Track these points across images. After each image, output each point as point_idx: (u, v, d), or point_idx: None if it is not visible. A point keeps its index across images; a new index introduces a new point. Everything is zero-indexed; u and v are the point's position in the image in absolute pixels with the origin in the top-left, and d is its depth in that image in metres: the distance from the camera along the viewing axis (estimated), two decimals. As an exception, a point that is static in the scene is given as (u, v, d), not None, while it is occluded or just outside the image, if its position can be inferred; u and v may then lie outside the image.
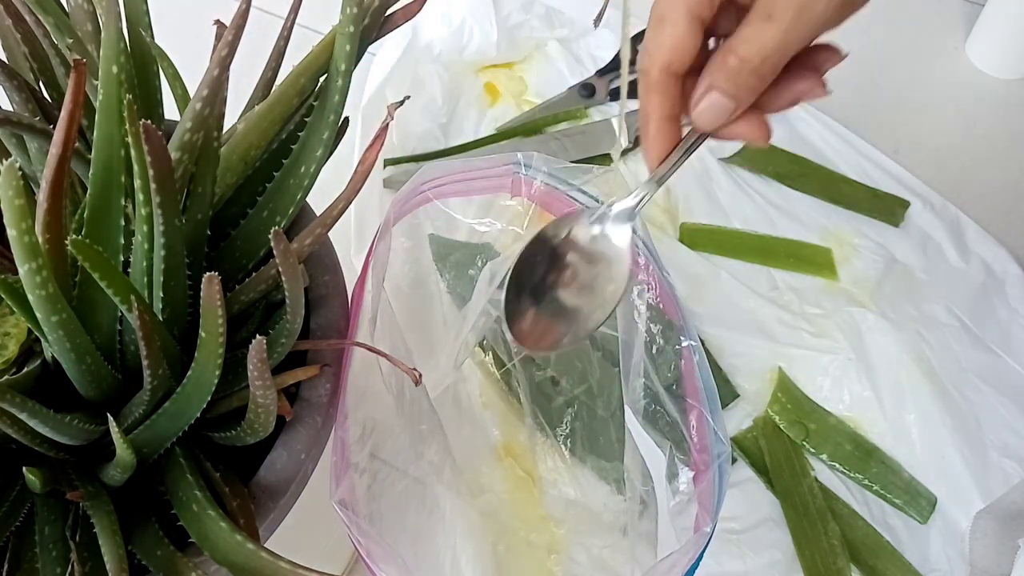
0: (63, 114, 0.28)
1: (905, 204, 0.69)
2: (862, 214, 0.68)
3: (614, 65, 0.76)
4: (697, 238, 0.67)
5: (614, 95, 0.75)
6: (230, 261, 0.39)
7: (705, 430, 0.44)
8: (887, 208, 0.65)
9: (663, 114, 0.34)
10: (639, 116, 0.36)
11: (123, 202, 0.33)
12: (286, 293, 0.33)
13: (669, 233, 0.68)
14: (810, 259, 0.66)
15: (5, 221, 0.27)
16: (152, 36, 0.38)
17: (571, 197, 0.49)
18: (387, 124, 0.38)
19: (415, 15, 0.40)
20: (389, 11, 0.39)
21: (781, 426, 0.60)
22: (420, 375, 0.40)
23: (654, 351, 0.47)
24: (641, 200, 0.37)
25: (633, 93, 0.75)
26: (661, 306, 0.47)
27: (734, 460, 0.59)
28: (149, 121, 0.28)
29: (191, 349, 0.32)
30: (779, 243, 0.67)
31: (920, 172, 0.71)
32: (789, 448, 0.59)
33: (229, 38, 0.32)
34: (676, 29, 0.33)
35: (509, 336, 0.41)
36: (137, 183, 0.30)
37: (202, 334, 0.31)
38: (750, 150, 0.71)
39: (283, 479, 0.36)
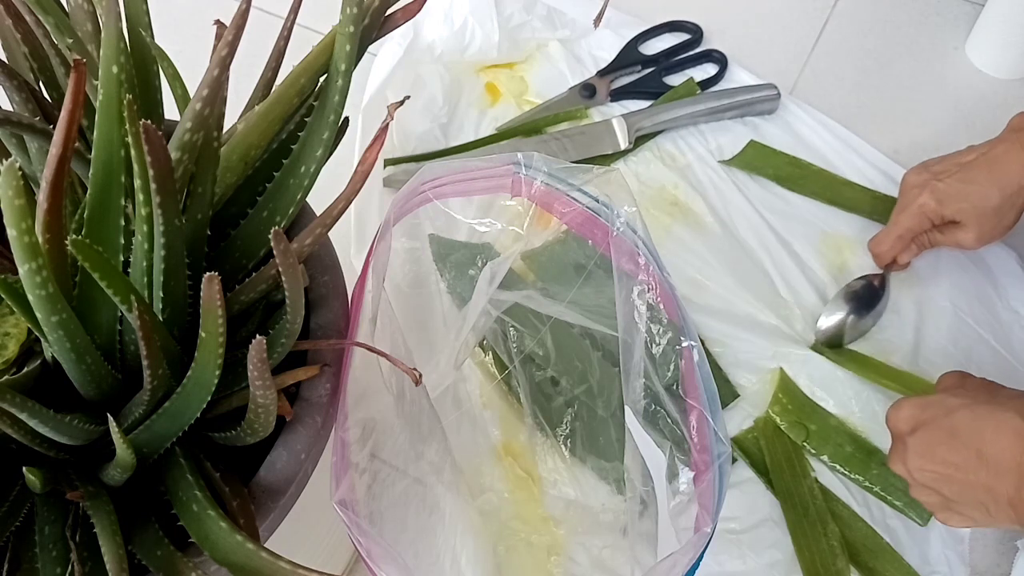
0: (63, 114, 0.28)
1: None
2: (862, 216, 0.68)
3: (615, 66, 0.76)
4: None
5: (615, 96, 0.75)
6: (230, 261, 0.39)
7: (705, 430, 0.44)
8: (887, 210, 0.65)
9: (892, 253, 0.63)
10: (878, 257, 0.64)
11: (123, 202, 0.33)
12: (286, 293, 0.33)
13: (674, 231, 0.67)
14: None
15: (5, 221, 0.27)
16: (152, 36, 0.38)
17: (571, 197, 0.49)
18: (387, 124, 0.38)
19: (415, 15, 0.40)
20: (389, 11, 0.39)
21: (782, 427, 0.60)
22: (420, 375, 0.40)
23: (654, 351, 0.47)
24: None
25: (633, 94, 0.75)
26: (661, 306, 0.47)
27: (734, 460, 0.59)
28: (149, 121, 0.28)
29: (191, 349, 0.32)
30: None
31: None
32: (789, 449, 0.59)
33: (229, 38, 0.32)
34: (905, 244, 0.62)
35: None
36: (137, 183, 0.30)
37: (202, 334, 0.31)
38: (749, 153, 0.71)
39: (283, 479, 0.36)
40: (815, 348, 0.62)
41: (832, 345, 0.62)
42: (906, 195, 0.61)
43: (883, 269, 0.64)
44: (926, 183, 0.59)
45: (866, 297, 0.63)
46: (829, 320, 0.63)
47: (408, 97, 0.44)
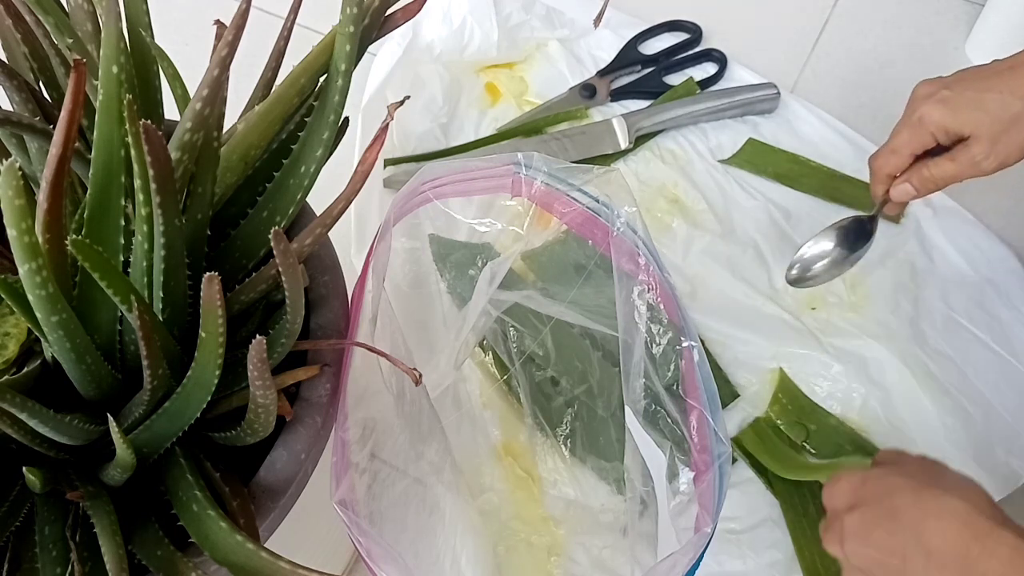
0: (63, 114, 0.28)
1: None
2: (863, 212, 0.68)
3: (615, 65, 0.76)
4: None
5: (615, 95, 0.75)
6: (230, 261, 0.39)
7: (705, 430, 0.44)
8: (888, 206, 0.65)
9: (885, 179, 0.56)
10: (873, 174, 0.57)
11: (123, 202, 0.33)
12: (286, 293, 0.33)
13: (675, 230, 0.67)
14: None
15: (5, 221, 0.27)
16: (152, 36, 0.38)
17: (571, 197, 0.49)
18: (387, 124, 0.38)
19: (415, 15, 0.40)
20: (389, 11, 0.39)
21: (782, 427, 0.60)
22: (420, 375, 0.40)
23: (654, 351, 0.47)
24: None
25: (633, 93, 0.75)
26: (661, 306, 0.47)
27: (734, 460, 0.59)
28: (149, 121, 0.28)
29: (191, 349, 0.32)
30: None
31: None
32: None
33: (229, 38, 0.32)
34: (900, 160, 0.55)
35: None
36: (137, 183, 0.30)
37: (202, 334, 0.31)
38: (748, 151, 0.71)
39: (283, 479, 0.36)
40: (788, 279, 0.59)
41: (803, 279, 0.60)
42: (911, 106, 0.53)
43: (875, 208, 0.58)
44: (934, 93, 0.51)
45: (853, 233, 0.59)
46: (811, 249, 0.59)
47: (408, 97, 0.44)
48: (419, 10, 0.40)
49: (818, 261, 0.60)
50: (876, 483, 0.42)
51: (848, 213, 0.68)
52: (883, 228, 0.68)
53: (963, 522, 0.38)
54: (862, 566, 0.42)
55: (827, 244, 0.60)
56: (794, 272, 0.60)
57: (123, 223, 0.34)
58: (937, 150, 0.53)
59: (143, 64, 0.38)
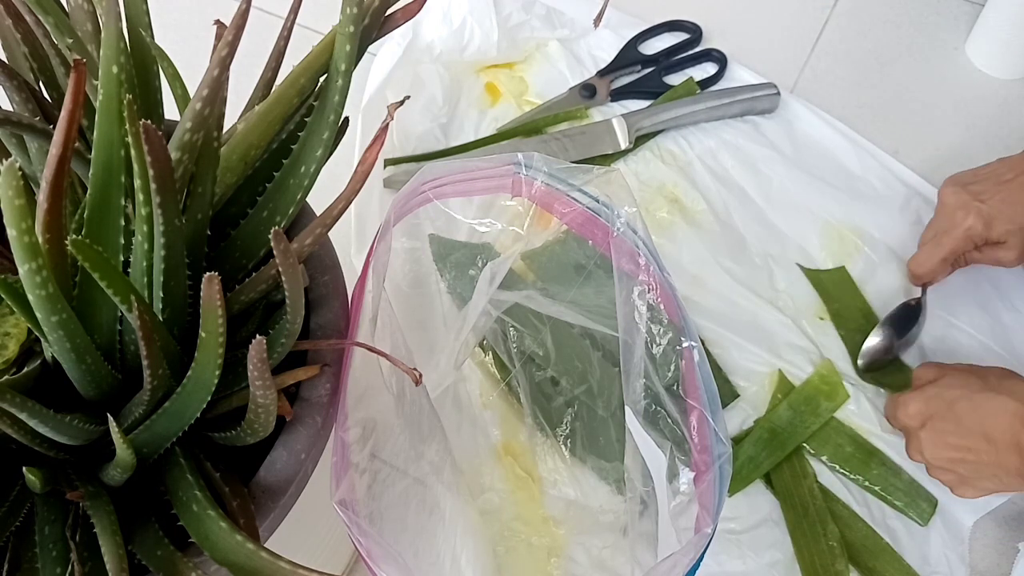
0: (63, 114, 0.28)
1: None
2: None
3: (615, 65, 0.76)
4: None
5: (615, 95, 0.75)
6: (230, 261, 0.39)
7: (706, 431, 0.44)
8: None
9: (935, 275, 0.63)
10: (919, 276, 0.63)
11: (123, 202, 0.33)
12: (286, 293, 0.33)
13: (675, 230, 0.67)
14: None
15: (5, 221, 0.27)
16: (152, 36, 0.38)
17: (571, 197, 0.49)
18: (387, 124, 0.38)
19: (415, 15, 0.40)
20: (389, 11, 0.39)
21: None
22: (420, 375, 0.40)
23: (655, 351, 0.47)
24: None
25: (633, 93, 0.75)
26: (661, 306, 0.47)
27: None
28: (149, 121, 0.28)
29: (191, 349, 0.32)
30: None
31: (920, 172, 0.71)
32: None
33: (229, 38, 0.32)
34: (947, 265, 0.62)
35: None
36: (137, 183, 0.30)
37: (202, 334, 0.30)
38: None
39: (283, 479, 0.36)
40: (859, 375, 0.62)
41: (874, 369, 0.62)
42: (948, 217, 0.60)
43: (920, 287, 0.64)
44: (968, 204, 0.59)
45: (904, 319, 0.63)
46: (871, 343, 0.62)
47: (408, 97, 0.44)
48: (419, 10, 0.40)
49: (879, 354, 0.62)
50: (937, 400, 0.53)
51: (851, 206, 0.68)
52: (886, 228, 0.68)
53: (1012, 414, 0.50)
54: (945, 466, 0.53)
55: (882, 337, 0.63)
56: (862, 364, 0.63)
57: (123, 223, 0.34)
58: None
59: (143, 64, 0.38)
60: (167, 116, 0.40)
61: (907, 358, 0.63)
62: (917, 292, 0.63)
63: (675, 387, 0.47)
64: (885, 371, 0.62)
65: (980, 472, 0.52)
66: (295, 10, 0.37)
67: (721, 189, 0.70)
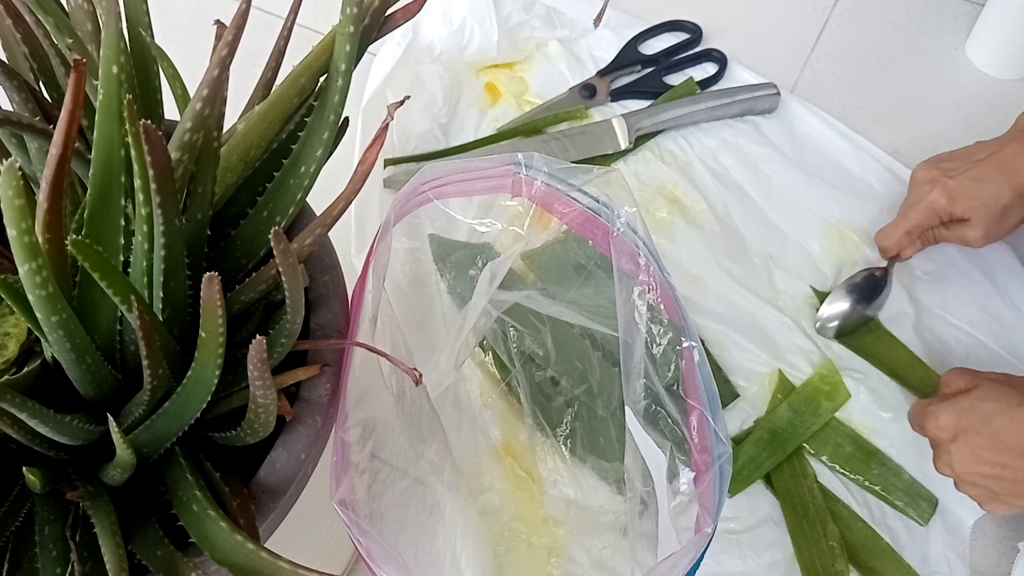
0: (63, 114, 0.28)
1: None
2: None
3: (615, 65, 0.76)
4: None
5: (615, 95, 0.75)
6: (230, 261, 0.39)
7: (706, 431, 0.44)
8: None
9: (895, 248, 0.63)
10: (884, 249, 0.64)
11: (123, 202, 0.33)
12: (286, 293, 0.33)
13: (675, 230, 0.67)
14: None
15: (5, 221, 0.27)
16: (152, 36, 0.38)
17: (571, 197, 0.49)
18: (387, 124, 0.38)
19: (415, 15, 0.40)
20: (389, 11, 0.39)
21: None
22: (420, 375, 0.40)
23: (655, 351, 0.47)
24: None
25: (633, 93, 0.75)
26: (661, 306, 0.47)
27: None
28: (149, 121, 0.28)
29: (191, 349, 0.32)
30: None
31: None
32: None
33: (229, 38, 0.32)
34: (913, 238, 0.62)
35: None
36: (137, 183, 0.30)
37: (202, 334, 0.30)
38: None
39: (283, 479, 0.36)
40: (820, 331, 0.62)
41: (845, 334, 0.62)
42: (916, 190, 0.62)
43: (887, 261, 0.64)
44: (936, 180, 0.60)
45: (867, 289, 0.63)
46: (830, 309, 0.63)
47: (408, 97, 0.44)
48: (419, 10, 0.40)
49: (838, 320, 0.63)
50: (972, 413, 0.51)
51: (851, 206, 0.69)
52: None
53: None
54: (977, 481, 0.51)
55: (842, 304, 0.63)
56: (817, 327, 0.63)
57: (123, 223, 0.34)
58: None
59: (143, 64, 0.38)
60: (167, 116, 0.40)
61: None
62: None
63: (675, 387, 0.47)
64: (857, 334, 0.63)
65: (1015, 489, 0.50)
66: (295, 10, 0.37)
67: (721, 189, 0.70)
